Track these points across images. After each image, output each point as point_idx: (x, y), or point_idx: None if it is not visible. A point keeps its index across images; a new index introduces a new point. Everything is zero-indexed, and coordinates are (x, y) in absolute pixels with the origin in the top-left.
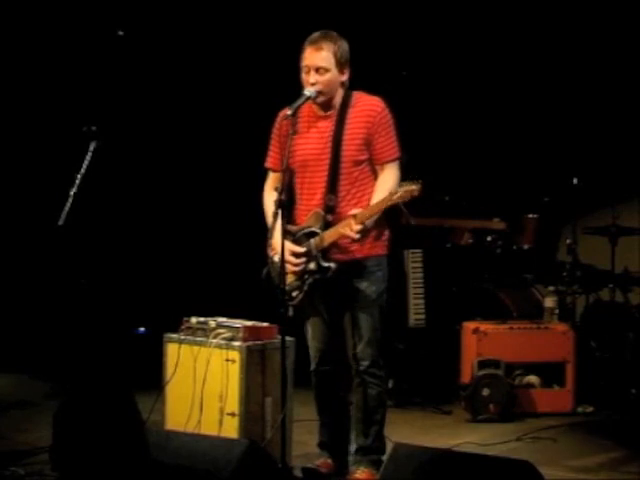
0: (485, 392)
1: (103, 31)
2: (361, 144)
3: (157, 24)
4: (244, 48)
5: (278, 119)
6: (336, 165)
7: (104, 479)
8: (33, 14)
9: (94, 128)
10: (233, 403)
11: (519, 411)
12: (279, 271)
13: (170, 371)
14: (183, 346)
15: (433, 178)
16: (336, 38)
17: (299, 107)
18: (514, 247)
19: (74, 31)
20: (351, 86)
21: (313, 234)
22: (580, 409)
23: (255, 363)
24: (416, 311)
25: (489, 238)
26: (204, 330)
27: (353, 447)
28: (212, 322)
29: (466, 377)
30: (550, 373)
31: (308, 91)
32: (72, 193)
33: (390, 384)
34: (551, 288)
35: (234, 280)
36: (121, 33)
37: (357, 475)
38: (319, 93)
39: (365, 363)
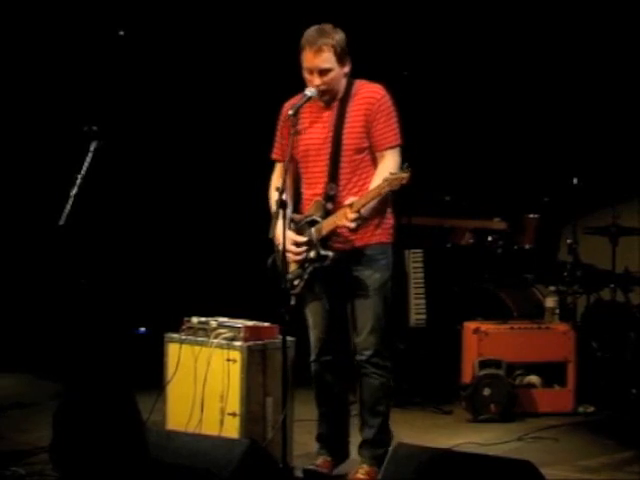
0: (486, 392)
1: (104, 31)
2: (361, 132)
3: (158, 24)
4: (244, 45)
5: (283, 111)
6: (337, 154)
7: (104, 479)
8: (34, 14)
9: (95, 128)
10: (234, 403)
11: (520, 411)
12: (281, 265)
13: (171, 371)
14: (184, 346)
15: (434, 178)
16: (332, 33)
17: (300, 107)
18: (515, 247)
19: (75, 31)
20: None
21: (314, 222)
22: (581, 409)
23: (256, 363)
24: (417, 311)
25: (490, 238)
26: (205, 330)
27: (359, 440)
28: (213, 322)
29: (467, 377)
30: (551, 373)
31: (309, 91)
32: (73, 193)
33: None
34: (552, 288)
35: (235, 280)
36: (122, 33)
37: (359, 475)
38: (324, 92)
39: (368, 352)
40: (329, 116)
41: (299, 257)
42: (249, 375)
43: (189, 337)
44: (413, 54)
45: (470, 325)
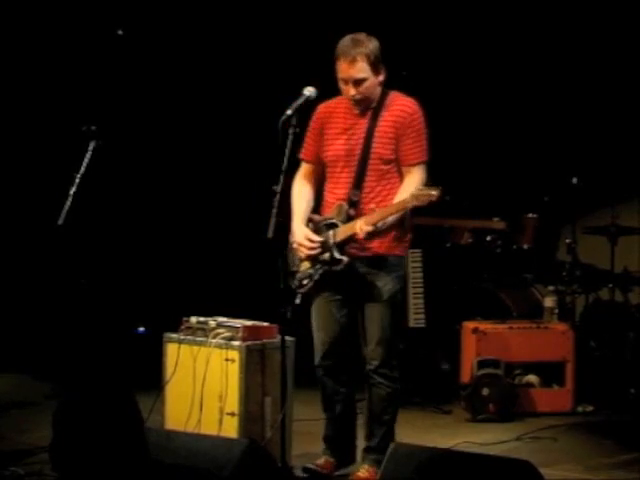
0: (485, 392)
1: (103, 30)
2: (390, 143)
3: (157, 23)
4: (244, 46)
5: (316, 113)
6: (364, 161)
7: (104, 479)
8: (32, 13)
9: (93, 128)
10: (233, 403)
11: (519, 411)
12: (292, 258)
13: (170, 371)
14: (183, 346)
15: (433, 178)
16: (366, 42)
17: (299, 107)
18: (514, 247)
19: (74, 30)
20: None
21: (333, 226)
22: (580, 409)
23: (255, 363)
24: (416, 311)
25: (489, 238)
26: (204, 330)
27: (363, 444)
28: (212, 322)
29: (466, 377)
30: (550, 373)
31: (308, 91)
32: (71, 192)
33: None
34: (551, 288)
35: (234, 280)
36: (121, 32)
37: (359, 474)
38: (359, 101)
39: (375, 363)
40: (361, 124)
41: (310, 252)
42: (248, 375)
43: (188, 337)
44: (413, 54)
45: (469, 325)
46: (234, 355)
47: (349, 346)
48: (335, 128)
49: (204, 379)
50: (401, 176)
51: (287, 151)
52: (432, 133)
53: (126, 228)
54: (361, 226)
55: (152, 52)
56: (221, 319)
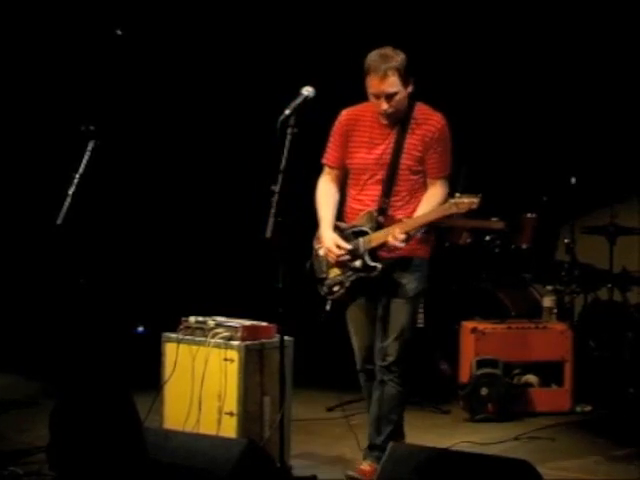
0: (483, 391)
1: (102, 30)
2: (418, 156)
3: (156, 23)
4: (242, 46)
5: (341, 119)
6: (394, 172)
7: (102, 479)
8: (31, 13)
9: (92, 127)
10: (231, 402)
11: (517, 410)
12: (318, 265)
13: (168, 370)
14: (181, 345)
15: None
16: (394, 56)
17: (297, 107)
18: (512, 246)
19: (73, 30)
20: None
21: (362, 233)
22: (578, 408)
23: (253, 362)
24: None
25: (487, 237)
26: (202, 329)
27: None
28: (211, 321)
29: (464, 376)
30: (548, 372)
31: (306, 90)
32: (70, 192)
33: None
34: (549, 287)
35: (233, 279)
36: (120, 32)
37: (362, 467)
38: (391, 114)
39: (390, 359)
40: (390, 135)
41: (340, 259)
42: (246, 375)
43: (187, 337)
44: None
45: (468, 324)
46: (233, 355)
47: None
48: (362, 136)
49: (203, 379)
50: (426, 187)
51: (286, 151)
52: None
53: (125, 228)
54: (395, 234)
55: (151, 52)
56: (220, 319)
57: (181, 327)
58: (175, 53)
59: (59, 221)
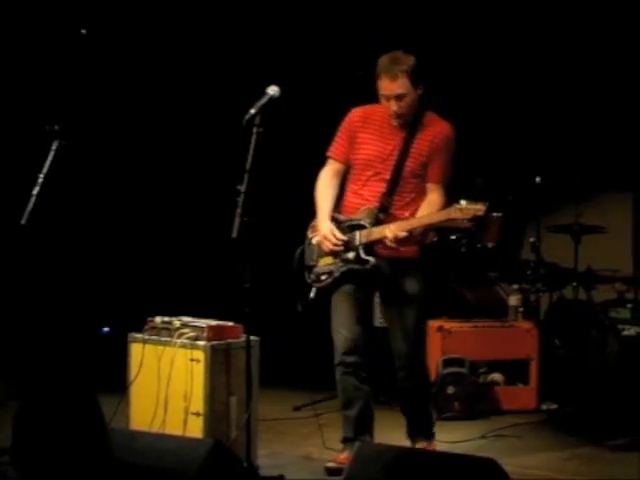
0: (450, 390)
1: (66, 30)
2: (423, 161)
3: (121, 23)
4: (207, 45)
5: (351, 116)
6: (399, 173)
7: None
8: None
9: (57, 127)
10: (198, 403)
11: (484, 409)
12: (309, 253)
13: (134, 371)
14: (147, 346)
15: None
16: (405, 59)
17: (263, 106)
18: (478, 245)
19: (37, 29)
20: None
21: (360, 227)
22: (544, 406)
23: (220, 362)
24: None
25: (453, 236)
26: (168, 330)
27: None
28: (176, 322)
29: (431, 375)
30: (514, 371)
31: (272, 90)
32: (35, 192)
33: None
34: (515, 286)
35: (199, 280)
36: (84, 32)
37: (343, 456)
38: (400, 115)
39: (405, 360)
40: (398, 136)
41: (334, 248)
42: (213, 375)
43: (152, 337)
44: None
45: (434, 323)
46: (199, 355)
47: (369, 343)
48: (370, 133)
49: (169, 379)
50: (425, 193)
51: (251, 150)
52: None
53: (90, 228)
54: (394, 230)
55: (116, 52)
56: (186, 319)
57: (147, 327)
58: (140, 53)
59: (23, 221)
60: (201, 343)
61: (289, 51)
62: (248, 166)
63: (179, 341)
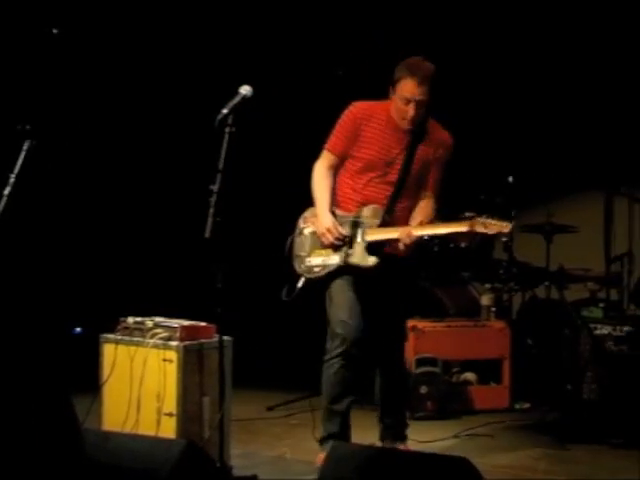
0: (423, 390)
1: (38, 29)
2: (426, 169)
3: (92, 22)
4: (180, 45)
5: (353, 110)
6: (404, 178)
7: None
8: None
9: (28, 127)
10: (170, 403)
11: (456, 408)
12: (300, 243)
13: (107, 372)
14: (120, 346)
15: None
16: (430, 67)
17: (235, 106)
18: (451, 245)
19: (7, 28)
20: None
21: (363, 224)
22: (517, 405)
23: (192, 363)
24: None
25: (426, 236)
26: (141, 330)
27: (381, 425)
28: (149, 322)
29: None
30: (487, 370)
31: (244, 89)
32: (6, 193)
33: None
34: (488, 286)
35: (171, 280)
36: (56, 31)
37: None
38: (415, 121)
39: (395, 352)
40: (404, 141)
41: (335, 242)
42: (185, 375)
43: (125, 337)
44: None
45: (407, 323)
46: (172, 355)
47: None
48: (374, 133)
49: (141, 379)
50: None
51: (224, 150)
52: None
53: (62, 228)
54: (411, 234)
55: (87, 51)
56: (158, 319)
57: (119, 328)
58: (112, 52)
59: None
60: (174, 343)
61: (264, 50)
62: (221, 166)
63: (152, 341)
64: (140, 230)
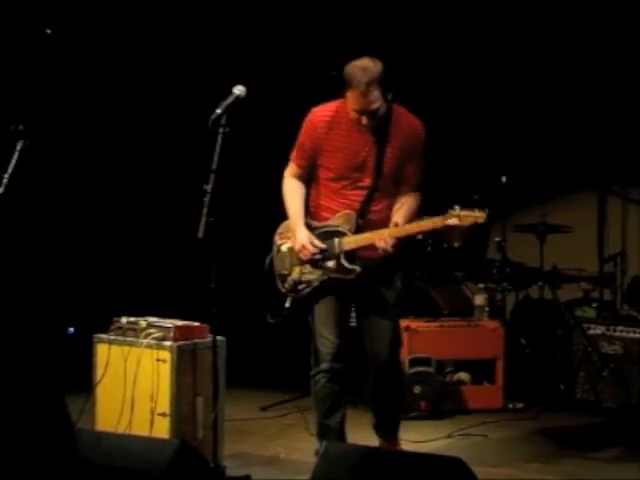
0: (416, 390)
1: (31, 29)
2: (399, 164)
3: (86, 22)
4: (173, 45)
5: (313, 119)
6: (377, 178)
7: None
8: None
9: (21, 127)
10: (164, 403)
11: (450, 408)
12: (280, 261)
13: (100, 372)
14: (113, 346)
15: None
16: (374, 67)
17: (229, 106)
18: (444, 245)
19: (0, 29)
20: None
21: (337, 233)
22: (510, 405)
23: (186, 363)
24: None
25: (419, 236)
26: (134, 330)
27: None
28: (143, 322)
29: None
30: (480, 370)
31: (238, 89)
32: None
33: None
34: (481, 285)
35: (165, 280)
36: (49, 31)
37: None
38: (373, 124)
39: (385, 360)
40: (370, 141)
41: (313, 257)
42: (179, 375)
43: (118, 337)
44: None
45: (401, 323)
46: (165, 355)
47: (352, 351)
48: (338, 140)
49: (135, 380)
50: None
51: (217, 150)
52: None
53: (55, 228)
54: (388, 239)
55: (81, 51)
56: (152, 319)
57: (113, 328)
58: (106, 52)
59: None
60: (167, 343)
61: (257, 50)
62: (214, 166)
63: (145, 341)
64: (133, 230)
